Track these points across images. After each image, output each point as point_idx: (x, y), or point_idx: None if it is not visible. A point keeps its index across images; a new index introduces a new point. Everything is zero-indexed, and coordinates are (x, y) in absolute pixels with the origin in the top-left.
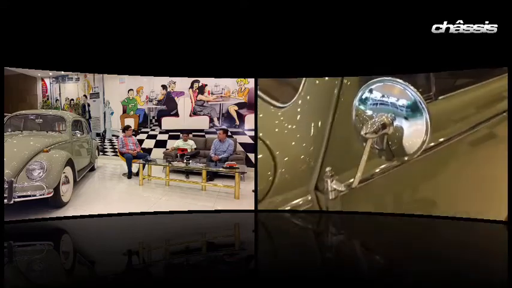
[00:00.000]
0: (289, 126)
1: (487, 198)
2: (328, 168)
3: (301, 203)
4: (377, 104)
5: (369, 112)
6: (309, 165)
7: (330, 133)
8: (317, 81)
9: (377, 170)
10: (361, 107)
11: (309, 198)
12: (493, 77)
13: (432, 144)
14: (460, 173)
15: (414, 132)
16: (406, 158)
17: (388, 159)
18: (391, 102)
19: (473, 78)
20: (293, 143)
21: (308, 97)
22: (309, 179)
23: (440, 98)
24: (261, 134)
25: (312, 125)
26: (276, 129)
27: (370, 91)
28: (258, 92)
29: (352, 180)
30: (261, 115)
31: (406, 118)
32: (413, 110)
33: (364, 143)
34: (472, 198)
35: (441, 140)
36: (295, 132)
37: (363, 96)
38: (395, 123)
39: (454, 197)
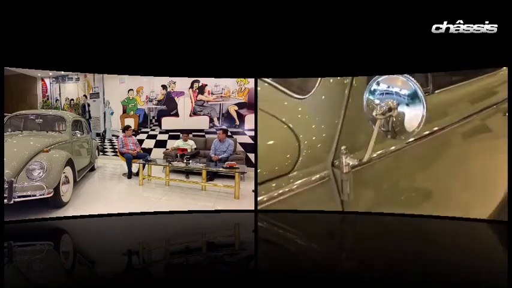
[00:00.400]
0: (309, 114)
1: (475, 195)
2: (343, 147)
3: (318, 176)
4: (383, 93)
5: (377, 101)
6: (326, 146)
7: (343, 120)
8: (331, 80)
9: (374, 155)
10: (370, 97)
11: (326, 172)
12: (485, 74)
13: (427, 132)
14: (450, 167)
15: (413, 116)
16: (406, 136)
17: (393, 138)
18: (395, 92)
19: (467, 75)
20: (313, 126)
21: (324, 91)
22: (326, 157)
23: (436, 92)
24: (284, 119)
25: (329, 112)
26: (299, 116)
27: (377, 83)
28: (278, 86)
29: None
30: (285, 103)
31: (407, 104)
32: (413, 98)
33: (373, 125)
34: (459, 195)
35: (435, 129)
36: (314, 118)
37: (372, 89)
38: (399, 108)
39: (444, 192)
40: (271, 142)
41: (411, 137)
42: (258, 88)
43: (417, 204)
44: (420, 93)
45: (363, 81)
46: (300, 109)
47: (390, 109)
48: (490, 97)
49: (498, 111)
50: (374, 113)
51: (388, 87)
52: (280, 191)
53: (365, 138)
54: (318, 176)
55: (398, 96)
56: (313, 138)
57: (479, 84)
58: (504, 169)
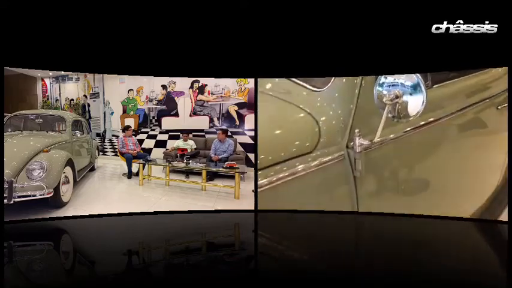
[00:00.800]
0: (327, 103)
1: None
2: (357, 130)
3: (337, 155)
4: (390, 85)
5: (385, 92)
6: (341, 130)
7: (355, 109)
8: (344, 80)
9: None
10: (380, 88)
11: (342, 153)
12: (479, 70)
13: (423, 122)
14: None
15: (415, 103)
16: (409, 119)
17: (398, 120)
18: (400, 83)
19: (463, 71)
20: (331, 113)
21: (338, 85)
22: (341, 140)
23: (434, 86)
24: (301, 105)
25: (343, 102)
26: (318, 104)
27: (385, 77)
28: (296, 80)
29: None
30: (304, 93)
31: (410, 94)
32: (415, 88)
33: (382, 111)
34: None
35: (431, 119)
36: (331, 107)
37: (380, 82)
38: (404, 97)
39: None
40: (292, 127)
41: (412, 121)
42: (276, 80)
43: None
44: (422, 85)
45: (372, 77)
46: (318, 99)
47: (397, 96)
48: (483, 92)
49: (492, 105)
50: (384, 99)
51: (395, 79)
52: (301, 168)
53: (375, 123)
54: (336, 155)
55: (403, 87)
56: (333, 122)
57: (473, 80)
58: (496, 162)
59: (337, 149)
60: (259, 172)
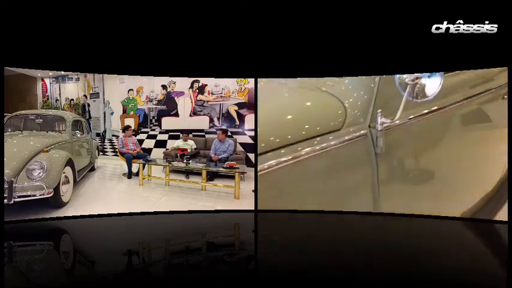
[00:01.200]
0: (352, 87)
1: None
2: (379, 110)
3: (363, 132)
4: None
5: (405, 76)
6: (365, 110)
7: (378, 90)
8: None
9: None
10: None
11: (365, 131)
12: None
13: (425, 111)
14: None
15: (432, 85)
16: (426, 99)
17: (416, 101)
18: None
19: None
20: (355, 94)
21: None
22: (364, 119)
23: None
24: (332, 92)
25: (365, 87)
26: (343, 88)
27: None
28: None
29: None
30: (330, 83)
31: (428, 77)
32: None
33: (403, 92)
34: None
35: (434, 108)
36: (355, 89)
37: None
38: (422, 80)
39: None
40: (322, 108)
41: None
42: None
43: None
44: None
45: None
46: (345, 82)
47: (417, 78)
48: (488, 83)
49: (498, 96)
50: (406, 80)
51: None
52: (333, 143)
53: (395, 105)
54: (362, 132)
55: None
56: (358, 103)
57: (478, 72)
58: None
59: (361, 128)
60: (282, 151)
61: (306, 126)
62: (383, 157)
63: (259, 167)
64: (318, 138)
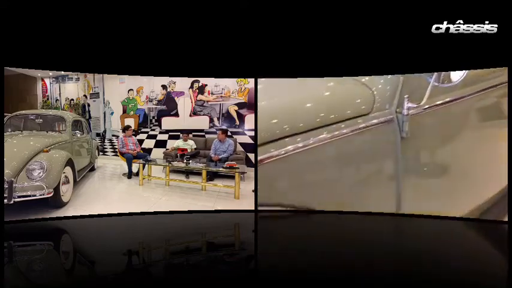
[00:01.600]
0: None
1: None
2: (406, 96)
3: (390, 117)
4: None
5: None
6: (391, 96)
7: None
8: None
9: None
10: None
11: (391, 116)
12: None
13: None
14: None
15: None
16: (452, 84)
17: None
18: None
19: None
20: (382, 81)
21: None
22: (391, 106)
23: None
24: (363, 79)
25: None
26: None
27: None
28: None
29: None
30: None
31: None
32: None
33: (429, 78)
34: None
35: (448, 99)
36: (382, 76)
37: None
38: None
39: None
40: (352, 95)
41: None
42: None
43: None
44: None
45: None
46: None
47: None
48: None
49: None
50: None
51: None
52: (362, 125)
53: (421, 91)
54: (389, 117)
55: None
56: (387, 87)
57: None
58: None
59: (388, 113)
60: (313, 131)
61: (321, 114)
62: (408, 143)
63: (275, 152)
64: (343, 124)
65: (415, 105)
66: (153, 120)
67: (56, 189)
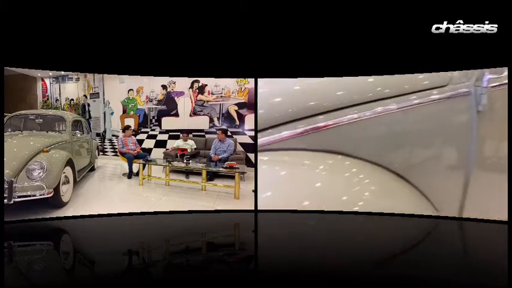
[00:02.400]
0: None
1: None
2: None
3: (464, 90)
4: None
5: None
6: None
7: None
8: None
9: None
10: None
11: (469, 90)
12: None
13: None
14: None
15: None
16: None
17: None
18: None
19: None
20: None
21: None
22: (468, 78)
23: None
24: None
25: None
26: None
27: None
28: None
29: None
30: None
31: None
32: None
33: None
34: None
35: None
36: None
37: None
38: None
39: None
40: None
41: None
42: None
43: None
44: None
45: None
46: None
47: None
48: None
49: None
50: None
51: None
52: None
53: None
54: (463, 90)
55: None
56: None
57: None
58: None
59: (465, 86)
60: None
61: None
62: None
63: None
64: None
65: (496, 76)
66: (153, 120)
67: (56, 189)
